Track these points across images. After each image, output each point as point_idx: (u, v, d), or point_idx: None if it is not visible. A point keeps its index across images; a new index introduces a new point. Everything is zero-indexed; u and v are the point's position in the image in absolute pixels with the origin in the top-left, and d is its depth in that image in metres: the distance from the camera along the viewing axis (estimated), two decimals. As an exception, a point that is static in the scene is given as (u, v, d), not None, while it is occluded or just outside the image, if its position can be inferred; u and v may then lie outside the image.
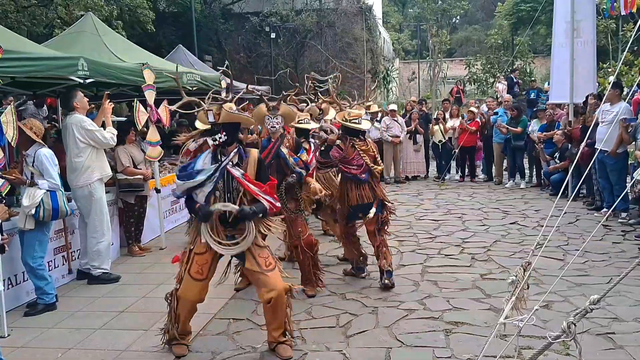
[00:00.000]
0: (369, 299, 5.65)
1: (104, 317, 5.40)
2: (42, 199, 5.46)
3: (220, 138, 4.30)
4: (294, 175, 5.57)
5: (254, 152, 4.53)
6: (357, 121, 5.95)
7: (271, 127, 5.53)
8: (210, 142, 4.44)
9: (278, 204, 4.46)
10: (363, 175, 5.88)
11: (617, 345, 4.40)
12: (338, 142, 6.01)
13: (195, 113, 4.95)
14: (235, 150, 4.37)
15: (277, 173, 5.50)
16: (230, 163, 4.32)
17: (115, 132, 6.55)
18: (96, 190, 6.41)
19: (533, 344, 4.32)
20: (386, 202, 6.12)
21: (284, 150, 5.57)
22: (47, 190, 5.53)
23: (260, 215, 4.35)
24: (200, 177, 4.26)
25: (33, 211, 5.39)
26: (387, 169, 13.83)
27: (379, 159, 6.19)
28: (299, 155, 5.69)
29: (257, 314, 5.35)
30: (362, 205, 5.92)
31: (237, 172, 4.31)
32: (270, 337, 4.50)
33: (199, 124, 5.34)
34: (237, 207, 4.27)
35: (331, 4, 24.23)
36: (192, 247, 4.45)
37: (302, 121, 6.06)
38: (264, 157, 5.05)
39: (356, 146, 5.90)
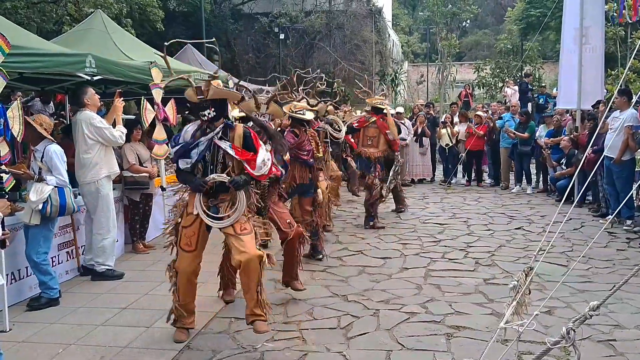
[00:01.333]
0: (370, 301, 5.64)
1: (106, 313, 5.41)
2: (50, 195, 5.48)
3: (209, 114, 4.48)
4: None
5: (239, 127, 4.68)
6: (301, 112, 6.67)
7: None
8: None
9: (264, 171, 4.58)
10: (311, 160, 6.72)
11: (617, 352, 4.38)
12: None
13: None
14: (222, 125, 4.55)
15: None
16: (216, 137, 4.50)
17: (125, 130, 6.57)
18: (103, 187, 6.44)
19: (534, 349, 4.30)
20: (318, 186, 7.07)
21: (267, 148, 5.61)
22: (55, 187, 5.56)
23: (252, 183, 4.62)
24: (193, 156, 4.50)
25: (40, 206, 5.41)
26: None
27: (320, 146, 7.15)
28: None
29: (259, 314, 5.36)
30: (303, 185, 6.75)
31: (224, 144, 4.50)
32: (247, 309, 4.55)
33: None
34: (228, 177, 4.47)
35: (341, 6, 24.26)
36: (179, 221, 4.66)
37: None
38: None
39: (307, 133, 6.74)
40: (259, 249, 4.50)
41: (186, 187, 4.78)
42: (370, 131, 8.95)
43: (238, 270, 4.60)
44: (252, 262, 4.37)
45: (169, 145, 4.84)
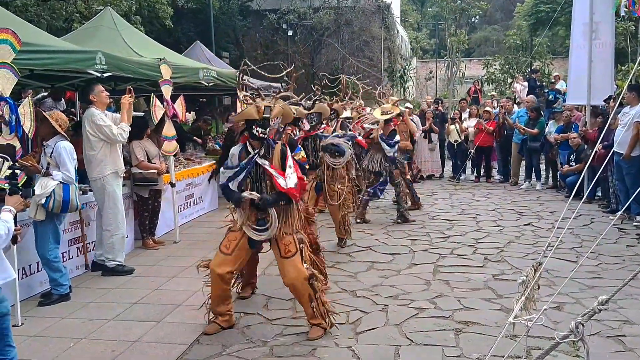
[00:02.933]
0: (379, 297, 5.65)
1: (116, 308, 5.46)
2: (54, 189, 5.50)
3: (263, 132, 4.74)
4: None
5: (278, 146, 4.90)
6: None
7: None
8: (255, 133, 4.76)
9: (295, 191, 4.74)
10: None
11: (627, 347, 4.37)
12: None
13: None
14: (265, 144, 4.81)
15: None
16: (258, 155, 4.76)
17: (128, 128, 6.53)
18: (109, 183, 6.47)
19: (543, 344, 4.29)
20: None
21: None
22: (60, 182, 5.59)
23: (283, 202, 4.75)
24: (239, 174, 4.78)
25: (43, 200, 5.43)
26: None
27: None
28: (293, 154, 5.72)
29: (268, 309, 5.39)
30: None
31: (261, 161, 4.76)
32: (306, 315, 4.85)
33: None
34: (258, 195, 4.71)
35: (349, 2, 24.21)
36: (230, 226, 4.95)
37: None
38: None
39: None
40: (306, 268, 4.73)
41: None
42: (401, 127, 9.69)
43: None
44: (297, 284, 4.68)
45: (221, 172, 5.09)
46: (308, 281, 4.66)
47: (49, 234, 5.61)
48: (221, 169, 5.08)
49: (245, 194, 4.74)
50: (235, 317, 5.06)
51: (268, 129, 4.77)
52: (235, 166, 4.82)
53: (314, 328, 4.76)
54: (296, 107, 6.49)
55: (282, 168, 4.77)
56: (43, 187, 5.45)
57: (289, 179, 4.69)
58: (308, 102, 7.59)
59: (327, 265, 6.73)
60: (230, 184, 4.81)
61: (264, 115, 4.71)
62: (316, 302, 4.70)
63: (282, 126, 5.78)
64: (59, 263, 5.71)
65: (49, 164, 5.63)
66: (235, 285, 5.74)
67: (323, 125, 7.48)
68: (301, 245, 4.81)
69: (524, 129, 12.07)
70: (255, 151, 4.78)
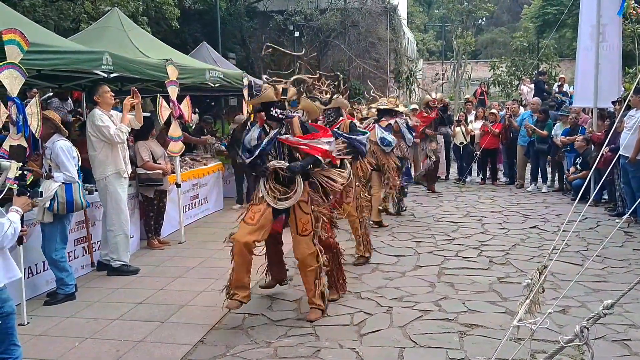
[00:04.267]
0: (384, 299, 5.65)
1: (121, 308, 5.48)
2: (56, 192, 5.52)
3: (281, 113, 5.02)
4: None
5: (295, 119, 5.17)
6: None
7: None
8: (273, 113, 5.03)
9: (331, 149, 5.10)
10: None
11: (632, 352, 4.35)
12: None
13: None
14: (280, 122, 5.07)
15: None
16: (279, 133, 5.01)
17: (126, 129, 6.49)
18: (111, 184, 6.48)
19: (547, 347, 4.27)
20: None
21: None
22: (63, 183, 5.60)
23: (312, 165, 5.04)
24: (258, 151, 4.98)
25: (48, 204, 5.46)
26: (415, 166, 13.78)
27: None
28: None
29: (272, 310, 5.40)
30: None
31: (286, 137, 5.01)
32: (308, 298, 5.18)
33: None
34: (286, 163, 4.96)
35: (356, 4, 24.20)
36: (252, 201, 5.13)
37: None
38: None
39: None
40: (315, 247, 5.05)
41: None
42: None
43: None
44: (306, 260, 5.03)
45: (243, 153, 5.21)
46: (317, 259, 5.01)
47: (57, 235, 5.64)
48: (240, 152, 5.32)
49: (273, 162, 4.96)
50: (239, 318, 5.07)
51: (286, 110, 5.03)
52: (256, 146, 5.01)
53: (313, 310, 5.11)
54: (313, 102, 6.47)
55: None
56: (46, 190, 5.44)
57: (320, 142, 5.02)
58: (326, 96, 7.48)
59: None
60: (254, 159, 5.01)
61: (282, 97, 4.98)
62: (319, 282, 5.08)
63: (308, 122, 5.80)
64: (65, 263, 5.73)
65: (50, 166, 5.65)
66: (266, 282, 5.85)
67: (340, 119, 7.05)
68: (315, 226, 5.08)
69: (534, 129, 11.97)
70: (275, 130, 5.01)
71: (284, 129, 5.05)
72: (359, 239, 6.95)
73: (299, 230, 5.04)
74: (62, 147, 5.66)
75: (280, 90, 4.99)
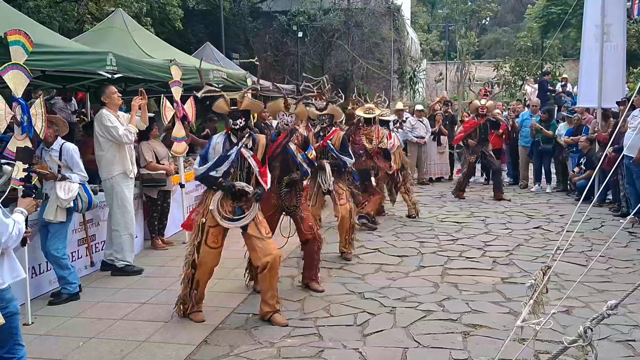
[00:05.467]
0: (387, 299, 5.65)
1: (125, 308, 5.48)
2: (78, 192, 5.67)
3: (240, 123, 4.93)
4: (298, 172, 5.79)
5: (263, 138, 5.13)
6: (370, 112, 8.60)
7: (284, 123, 5.64)
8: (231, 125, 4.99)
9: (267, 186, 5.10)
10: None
11: (636, 352, 4.34)
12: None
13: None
14: (248, 135, 4.99)
15: (282, 168, 5.76)
16: (244, 146, 4.93)
17: (134, 129, 6.55)
18: (117, 184, 6.50)
19: (551, 348, 4.27)
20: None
21: (292, 147, 5.74)
22: (79, 183, 5.72)
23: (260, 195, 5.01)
24: (224, 165, 4.88)
25: (71, 204, 5.60)
26: (411, 170, 13.79)
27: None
28: (306, 152, 5.86)
29: (276, 310, 5.40)
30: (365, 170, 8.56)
31: (247, 154, 4.94)
32: (267, 307, 5.03)
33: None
34: (252, 189, 4.90)
35: (359, 4, 24.21)
36: (204, 221, 4.99)
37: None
38: (272, 150, 5.41)
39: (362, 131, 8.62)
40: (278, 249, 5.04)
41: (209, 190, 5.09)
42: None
43: (258, 271, 5.07)
44: (276, 263, 4.93)
45: (197, 162, 5.14)
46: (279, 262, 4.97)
47: (63, 233, 5.72)
48: (197, 159, 5.20)
49: (242, 184, 4.90)
50: (243, 318, 5.08)
51: (239, 120, 4.91)
52: (224, 157, 4.90)
53: (278, 316, 5.04)
54: (308, 107, 6.58)
55: (263, 162, 5.02)
56: (66, 191, 5.58)
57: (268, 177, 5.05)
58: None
59: (334, 267, 6.79)
60: (213, 173, 4.91)
61: (232, 108, 4.90)
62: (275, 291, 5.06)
63: (297, 126, 5.90)
64: (67, 260, 5.77)
65: (59, 166, 5.68)
66: (247, 281, 5.98)
67: (333, 129, 7.35)
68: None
69: (541, 129, 11.91)
70: (242, 142, 4.92)
71: (250, 142, 4.99)
72: (346, 239, 7.17)
73: (264, 233, 4.96)
74: (73, 149, 5.77)
75: (228, 100, 4.91)
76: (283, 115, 5.64)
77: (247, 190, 4.88)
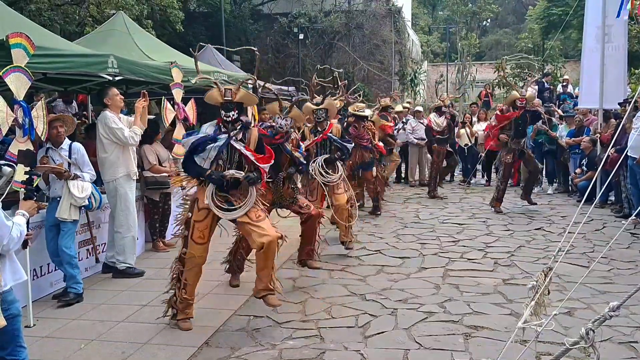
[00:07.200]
0: (388, 301, 5.64)
1: (127, 310, 5.49)
2: (92, 190, 5.79)
3: (232, 115, 4.85)
4: (293, 168, 6.01)
5: (255, 131, 5.08)
6: (362, 111, 9.25)
7: (278, 126, 5.78)
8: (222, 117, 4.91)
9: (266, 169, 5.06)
10: (369, 145, 9.24)
11: (639, 354, 4.34)
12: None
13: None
14: (240, 126, 4.91)
15: (276, 165, 5.80)
16: (235, 138, 4.86)
17: (140, 131, 6.58)
18: (121, 186, 6.51)
19: (553, 350, 4.26)
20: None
21: (288, 147, 5.96)
22: (90, 182, 5.83)
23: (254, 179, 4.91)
24: (211, 146, 4.84)
25: (87, 202, 5.71)
26: (412, 171, 13.80)
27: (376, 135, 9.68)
28: (300, 151, 6.13)
29: (277, 312, 5.38)
30: (365, 162, 9.24)
31: (239, 145, 4.86)
32: (260, 285, 4.94)
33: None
34: (242, 173, 4.84)
35: (360, 6, 24.25)
36: (190, 215, 4.98)
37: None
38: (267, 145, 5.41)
39: (365, 126, 9.26)
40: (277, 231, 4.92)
41: (197, 181, 5.05)
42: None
43: (255, 251, 4.94)
44: (273, 243, 4.78)
45: (183, 137, 5.16)
46: (277, 242, 4.84)
47: (74, 231, 5.80)
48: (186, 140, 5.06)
49: (232, 171, 4.82)
50: (244, 320, 5.07)
51: (232, 112, 4.83)
52: (208, 136, 4.84)
53: (271, 297, 4.94)
54: (304, 102, 6.80)
55: (259, 152, 4.98)
56: (80, 190, 5.66)
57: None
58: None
59: (336, 268, 6.78)
60: (201, 162, 4.88)
61: (225, 98, 4.82)
62: (274, 268, 4.98)
63: (293, 128, 6.05)
64: (77, 260, 5.81)
65: (69, 165, 5.70)
66: (225, 273, 6.16)
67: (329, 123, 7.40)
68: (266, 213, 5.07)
69: (546, 130, 11.90)
70: (233, 133, 4.85)
71: (241, 134, 4.90)
72: (345, 227, 7.32)
73: (253, 218, 4.82)
74: (82, 148, 5.86)
75: (223, 91, 4.84)
76: (278, 118, 5.83)
77: (237, 176, 4.81)
